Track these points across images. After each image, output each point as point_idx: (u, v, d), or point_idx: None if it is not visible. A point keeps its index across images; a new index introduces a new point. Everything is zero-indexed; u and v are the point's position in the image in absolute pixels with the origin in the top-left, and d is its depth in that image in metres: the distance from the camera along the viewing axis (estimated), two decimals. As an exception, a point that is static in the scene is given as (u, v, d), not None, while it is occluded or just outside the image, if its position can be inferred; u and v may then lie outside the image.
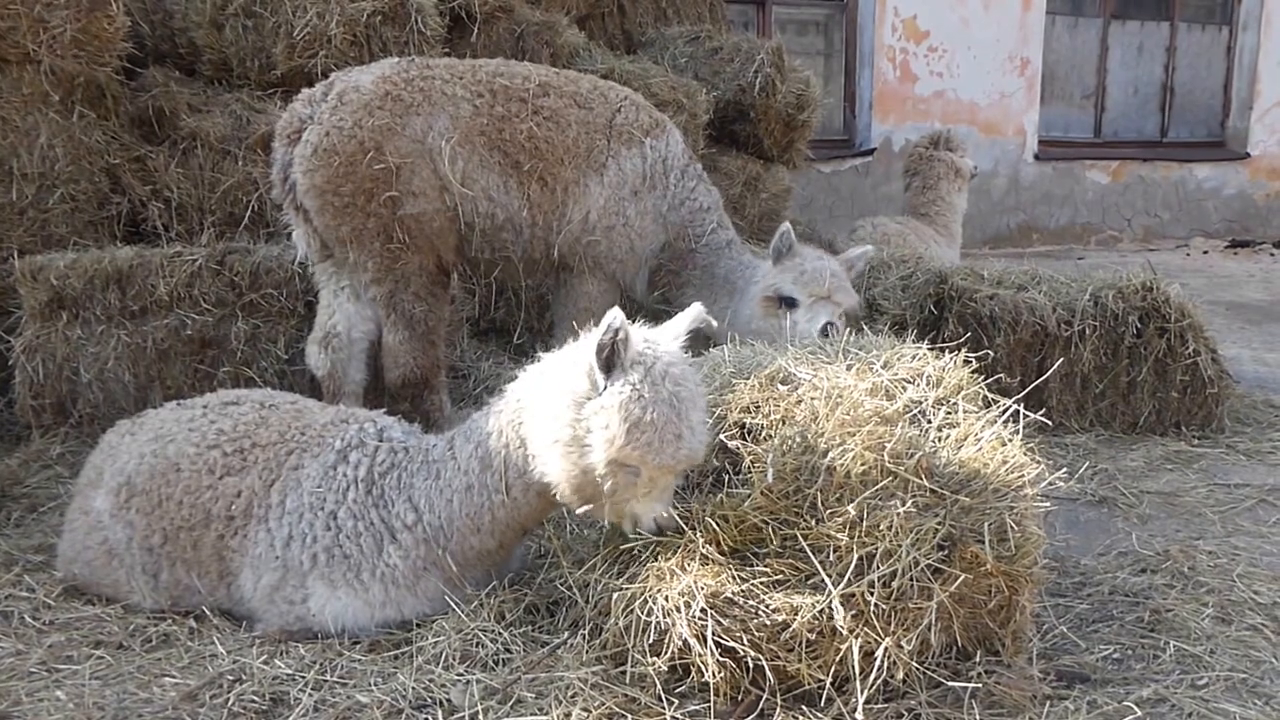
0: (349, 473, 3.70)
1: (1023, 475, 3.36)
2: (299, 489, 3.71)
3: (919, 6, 13.93)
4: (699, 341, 4.00)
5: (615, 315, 3.13)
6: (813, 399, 3.51)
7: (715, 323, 3.84)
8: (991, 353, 5.56)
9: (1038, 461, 3.44)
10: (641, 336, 3.28)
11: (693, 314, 3.52)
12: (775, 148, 9.82)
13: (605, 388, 3.19)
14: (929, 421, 3.54)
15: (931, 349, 3.93)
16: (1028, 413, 3.59)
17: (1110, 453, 5.60)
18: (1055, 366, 5.56)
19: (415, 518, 3.63)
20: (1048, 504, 3.46)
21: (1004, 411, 3.59)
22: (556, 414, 3.27)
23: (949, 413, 3.58)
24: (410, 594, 3.66)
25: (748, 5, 13.68)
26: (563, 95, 5.09)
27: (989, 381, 3.85)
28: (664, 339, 3.37)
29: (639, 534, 3.38)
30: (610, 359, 3.17)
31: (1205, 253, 14.82)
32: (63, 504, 4.66)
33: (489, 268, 5.24)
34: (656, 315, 3.89)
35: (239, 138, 6.68)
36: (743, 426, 3.57)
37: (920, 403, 3.61)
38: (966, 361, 3.86)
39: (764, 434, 3.49)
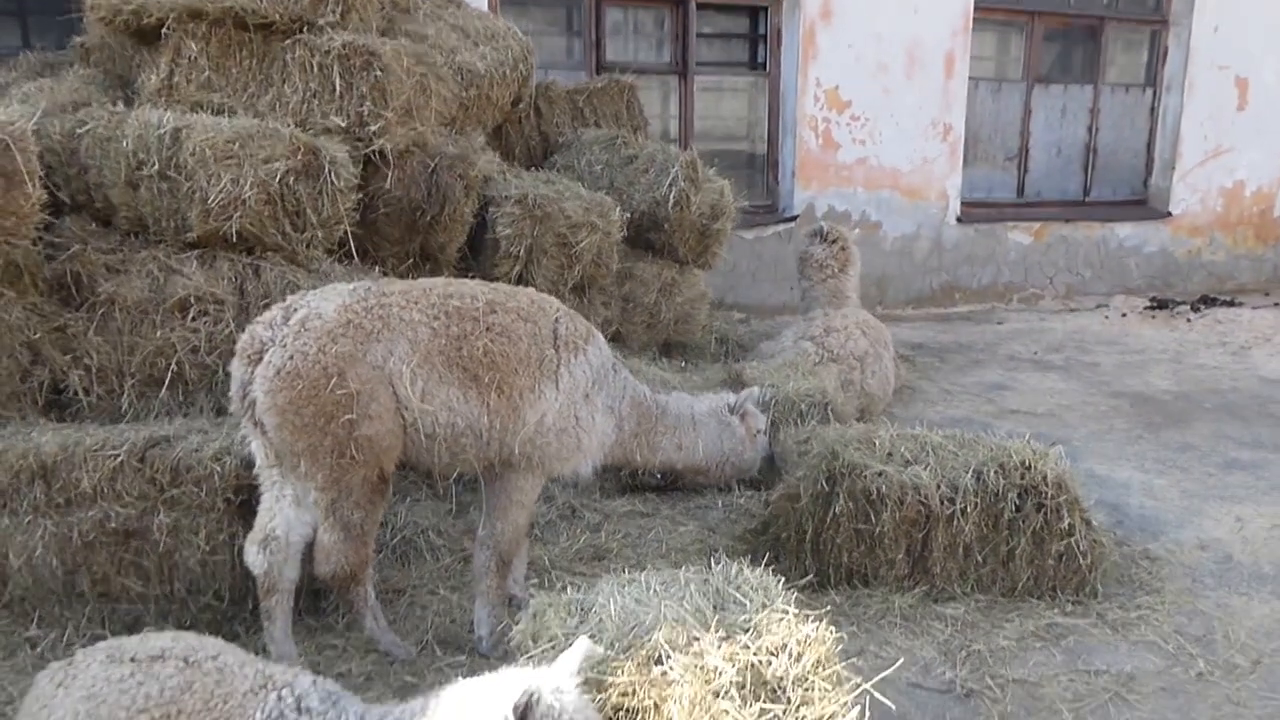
0: None
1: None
2: None
3: (840, 78, 14.15)
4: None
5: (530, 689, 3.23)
6: (680, 687, 3.71)
7: None
8: (877, 528, 5.97)
9: None
10: (549, 688, 3.32)
11: (582, 648, 3.55)
12: (690, 254, 10.13)
13: None
14: (788, 700, 3.76)
15: (799, 601, 4.12)
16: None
17: (986, 626, 5.81)
18: (938, 541, 5.94)
19: None
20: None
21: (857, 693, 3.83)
22: None
23: (806, 691, 3.81)
24: None
25: (669, 76, 13.92)
26: (508, 311, 5.35)
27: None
28: (561, 679, 3.41)
29: None
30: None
31: (1124, 315, 15.07)
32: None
33: (447, 470, 5.54)
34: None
35: (156, 301, 6.74)
36: (621, 709, 3.69)
37: (782, 679, 3.83)
38: (834, 623, 4.07)
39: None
